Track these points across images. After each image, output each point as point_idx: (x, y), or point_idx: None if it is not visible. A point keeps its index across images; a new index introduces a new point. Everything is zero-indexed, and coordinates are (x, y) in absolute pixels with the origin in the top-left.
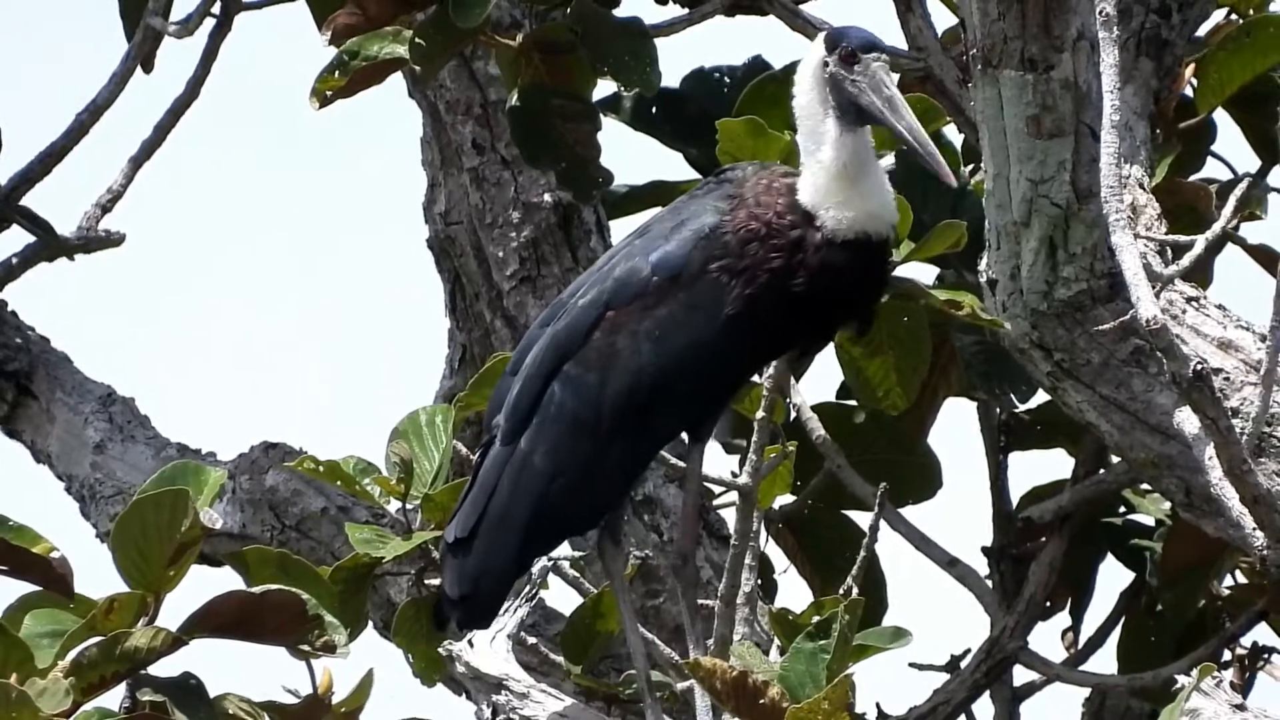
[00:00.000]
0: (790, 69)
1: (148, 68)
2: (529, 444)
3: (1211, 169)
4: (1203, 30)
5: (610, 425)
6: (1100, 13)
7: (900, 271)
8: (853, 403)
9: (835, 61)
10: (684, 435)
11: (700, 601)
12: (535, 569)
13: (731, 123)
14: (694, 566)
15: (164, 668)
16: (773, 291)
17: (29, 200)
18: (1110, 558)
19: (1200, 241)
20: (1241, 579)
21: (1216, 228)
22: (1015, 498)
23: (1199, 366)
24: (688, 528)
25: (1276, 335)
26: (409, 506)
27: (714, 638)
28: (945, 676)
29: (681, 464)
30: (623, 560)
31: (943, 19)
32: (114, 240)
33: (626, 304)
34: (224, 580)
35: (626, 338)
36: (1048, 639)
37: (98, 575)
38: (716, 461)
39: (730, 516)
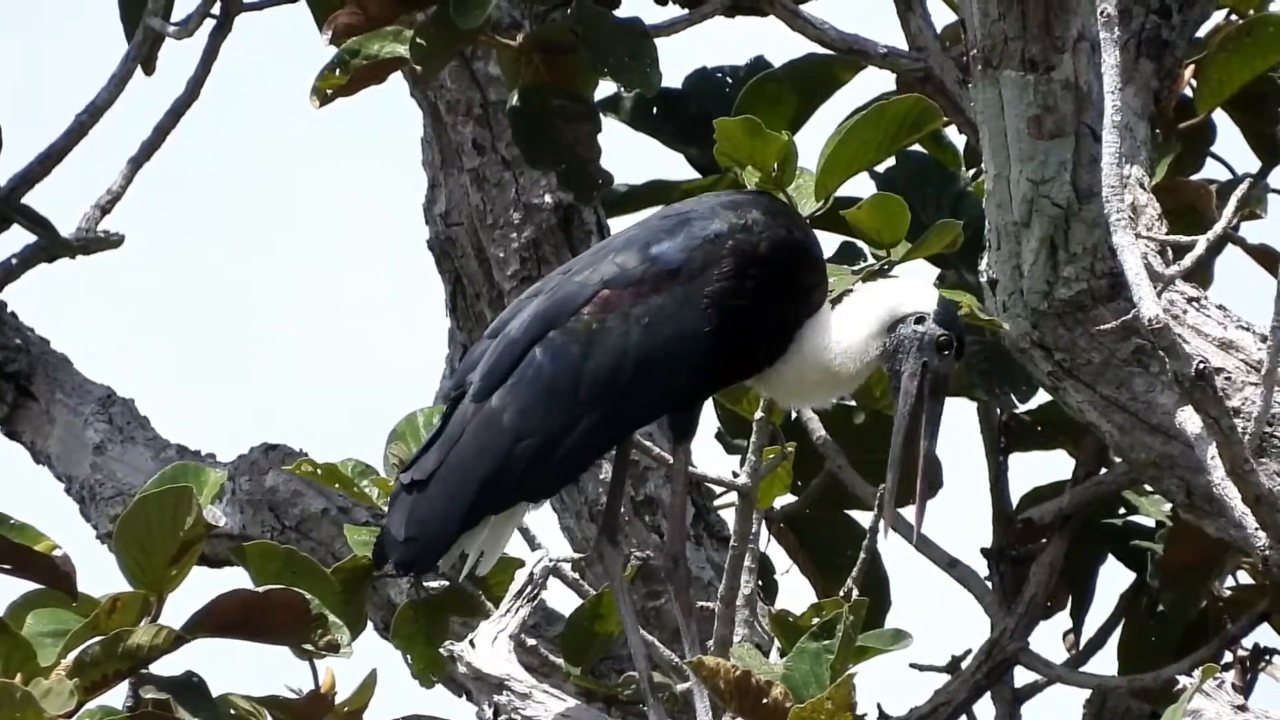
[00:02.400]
0: (789, 68)
1: (149, 70)
2: (500, 402)
3: (1211, 169)
4: (1203, 31)
5: (586, 399)
6: (1101, 13)
7: (900, 271)
8: (853, 403)
9: (926, 335)
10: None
11: (700, 603)
12: (536, 569)
13: (728, 122)
14: (685, 568)
15: (166, 666)
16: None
17: (28, 201)
18: (1111, 558)
19: (1201, 242)
20: (1243, 579)
21: (1217, 228)
22: (1016, 498)
23: (1201, 366)
24: (676, 529)
25: (1277, 335)
26: None
27: (714, 639)
28: (946, 677)
29: None
30: (622, 562)
31: (943, 18)
32: (113, 241)
33: (622, 287)
34: (226, 581)
35: (618, 318)
36: (1048, 640)
37: (100, 575)
38: (716, 462)
39: (730, 517)
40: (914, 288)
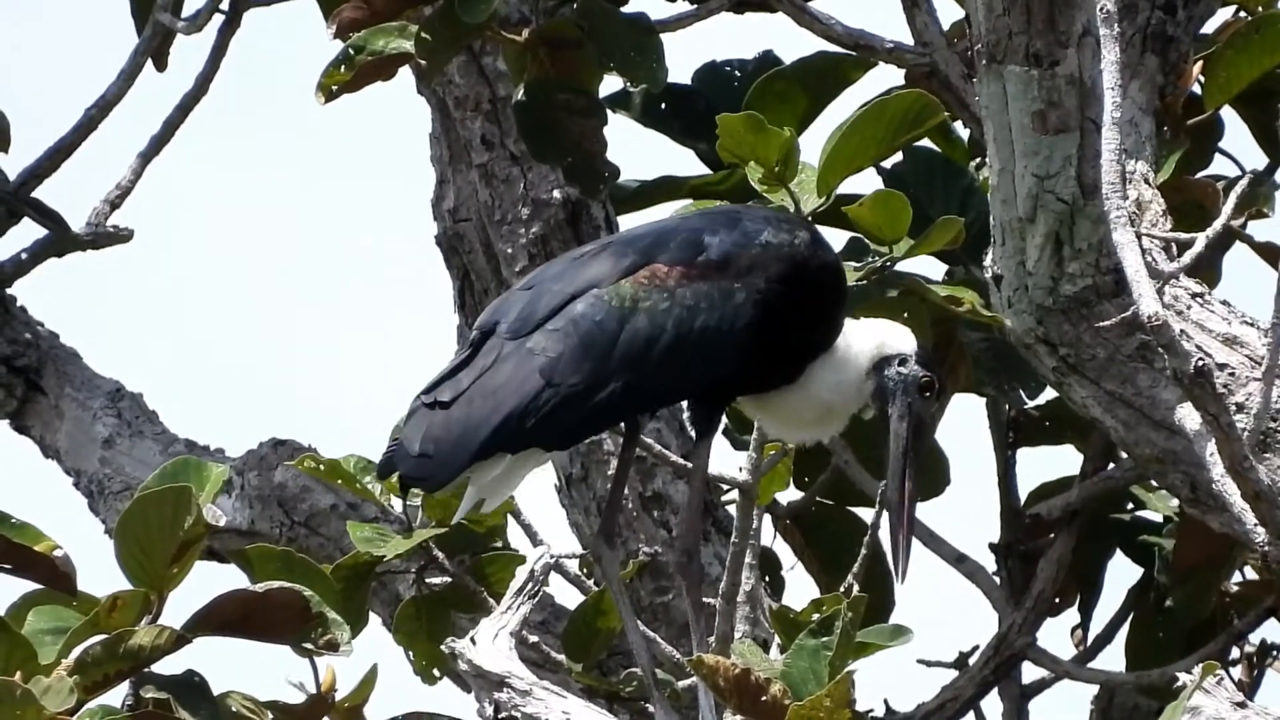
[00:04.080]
0: (799, 65)
1: (160, 66)
2: (537, 344)
3: (1219, 166)
4: (1211, 27)
5: (617, 362)
6: (1100, 9)
7: (906, 267)
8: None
9: (910, 376)
10: (691, 430)
11: (705, 599)
12: (537, 566)
13: (731, 118)
14: (699, 563)
15: (167, 665)
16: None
17: (38, 196)
18: (1119, 554)
19: (1201, 239)
20: (1250, 575)
21: (1218, 224)
22: (1023, 494)
23: (1200, 363)
24: (691, 524)
25: (1278, 331)
26: (411, 504)
27: (715, 635)
28: (953, 673)
29: (686, 463)
30: (619, 562)
31: (948, 14)
32: (122, 236)
33: (670, 265)
34: (230, 576)
35: (662, 293)
36: (1056, 636)
37: (104, 572)
38: (723, 458)
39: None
40: (900, 333)
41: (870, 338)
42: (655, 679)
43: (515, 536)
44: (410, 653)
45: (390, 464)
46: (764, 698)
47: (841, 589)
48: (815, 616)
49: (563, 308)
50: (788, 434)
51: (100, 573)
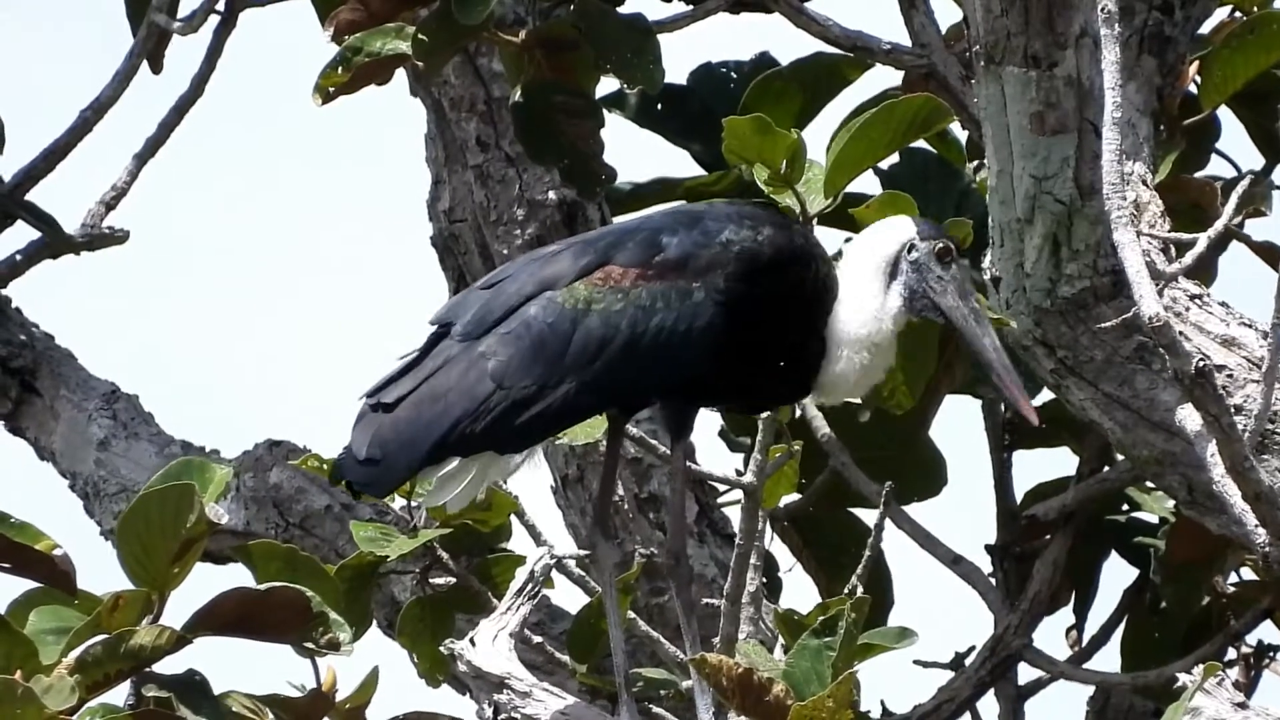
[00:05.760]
0: (796, 66)
1: (157, 69)
2: (488, 348)
3: (1216, 166)
4: (1206, 27)
5: (570, 364)
6: (1101, 10)
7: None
8: (858, 401)
9: (927, 252)
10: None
11: (705, 600)
12: (537, 567)
13: (738, 121)
14: (687, 565)
15: (168, 664)
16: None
17: (32, 197)
18: (1114, 555)
19: (1202, 239)
20: (1246, 576)
21: (1219, 225)
22: (1019, 495)
23: (1201, 363)
24: (677, 526)
25: (1278, 332)
26: (412, 504)
27: (719, 636)
28: (950, 674)
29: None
30: (615, 555)
31: (946, 15)
32: (118, 237)
33: (626, 266)
34: (230, 578)
35: (617, 294)
36: (1052, 637)
37: (103, 572)
38: (721, 460)
39: (735, 515)
40: (888, 225)
41: (866, 254)
42: (627, 677)
43: (519, 537)
44: (414, 654)
45: (339, 471)
46: (767, 698)
47: (845, 590)
48: (820, 619)
49: (517, 308)
50: (858, 391)
51: (99, 572)
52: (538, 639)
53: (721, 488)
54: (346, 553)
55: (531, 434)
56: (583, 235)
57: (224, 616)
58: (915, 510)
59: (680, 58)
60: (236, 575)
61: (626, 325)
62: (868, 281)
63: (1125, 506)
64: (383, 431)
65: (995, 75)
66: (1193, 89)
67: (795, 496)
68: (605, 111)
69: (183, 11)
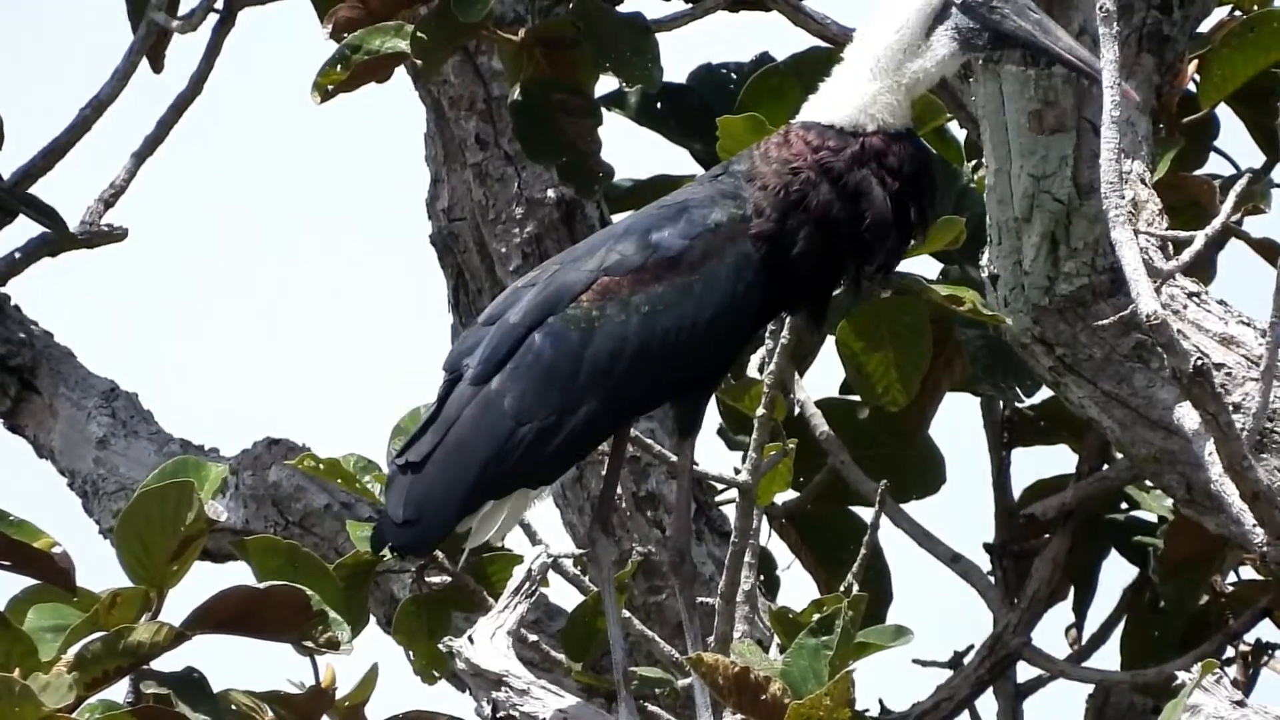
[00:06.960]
0: (795, 61)
1: (157, 67)
2: (500, 386)
3: (1215, 164)
4: (1205, 26)
5: (585, 385)
6: (1100, 9)
7: (903, 267)
8: (856, 398)
9: None
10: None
11: (700, 599)
12: (535, 565)
13: (732, 120)
14: (691, 563)
15: (167, 662)
16: (824, 229)
17: (32, 194)
18: (1114, 554)
19: (1200, 237)
20: (1245, 575)
21: (1216, 223)
22: (1018, 493)
23: (1199, 362)
24: (681, 524)
25: (1276, 330)
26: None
27: (715, 635)
28: (948, 673)
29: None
30: (614, 552)
31: None
32: (117, 235)
33: (622, 274)
34: (228, 577)
35: (616, 305)
36: (1051, 635)
37: (101, 570)
38: (718, 458)
39: (732, 513)
40: None
41: (909, 8)
42: (625, 675)
43: (516, 535)
44: (410, 652)
45: (380, 537)
46: (764, 696)
47: (842, 588)
48: (816, 617)
49: (523, 340)
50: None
51: (97, 570)
52: (534, 637)
53: (719, 486)
54: (345, 552)
55: (560, 463)
56: (570, 250)
57: (223, 614)
58: (914, 508)
59: (679, 56)
60: (235, 574)
61: (635, 334)
62: (913, 36)
63: (1124, 505)
64: (415, 492)
65: (994, 73)
66: (1192, 87)
67: (793, 494)
68: (605, 110)
69: (182, 10)
